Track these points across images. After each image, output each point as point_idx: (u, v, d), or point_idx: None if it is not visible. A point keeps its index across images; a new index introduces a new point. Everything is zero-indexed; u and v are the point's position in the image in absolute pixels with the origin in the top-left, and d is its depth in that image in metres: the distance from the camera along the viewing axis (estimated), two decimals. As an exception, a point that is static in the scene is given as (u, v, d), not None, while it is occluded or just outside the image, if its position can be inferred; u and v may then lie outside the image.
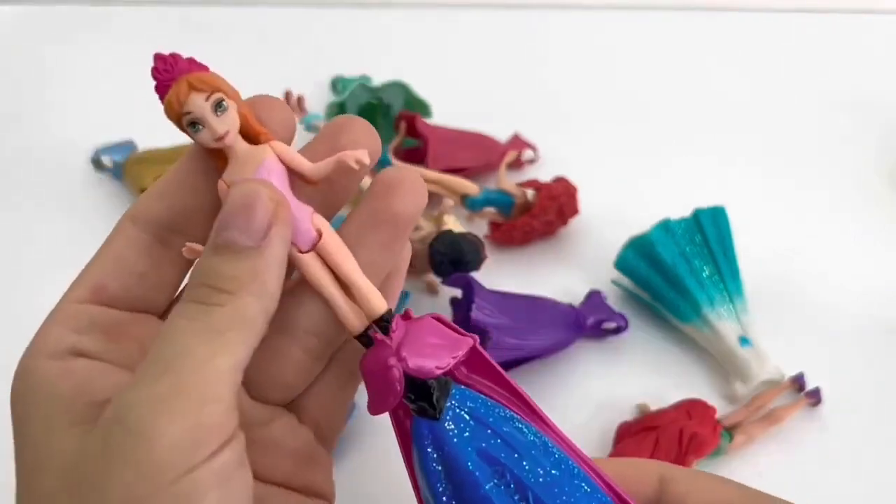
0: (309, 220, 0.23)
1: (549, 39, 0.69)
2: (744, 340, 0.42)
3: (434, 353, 0.22)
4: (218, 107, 0.22)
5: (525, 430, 0.23)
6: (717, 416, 0.39)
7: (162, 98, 0.23)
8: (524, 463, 0.22)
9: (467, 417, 0.22)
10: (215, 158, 0.24)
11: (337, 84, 0.62)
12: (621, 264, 0.46)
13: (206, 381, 0.20)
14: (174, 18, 0.71)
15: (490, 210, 0.49)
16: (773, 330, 0.44)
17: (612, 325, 0.44)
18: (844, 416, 0.41)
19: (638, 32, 0.70)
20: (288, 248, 0.22)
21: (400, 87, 0.57)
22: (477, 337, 0.24)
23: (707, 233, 0.45)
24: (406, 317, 0.24)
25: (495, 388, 0.23)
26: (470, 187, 0.49)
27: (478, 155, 0.53)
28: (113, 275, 0.24)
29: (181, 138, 0.49)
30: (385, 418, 0.23)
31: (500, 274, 0.47)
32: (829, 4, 0.72)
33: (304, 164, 0.24)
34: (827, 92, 0.62)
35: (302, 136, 0.47)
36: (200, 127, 0.22)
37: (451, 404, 0.22)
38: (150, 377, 0.20)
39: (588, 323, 0.43)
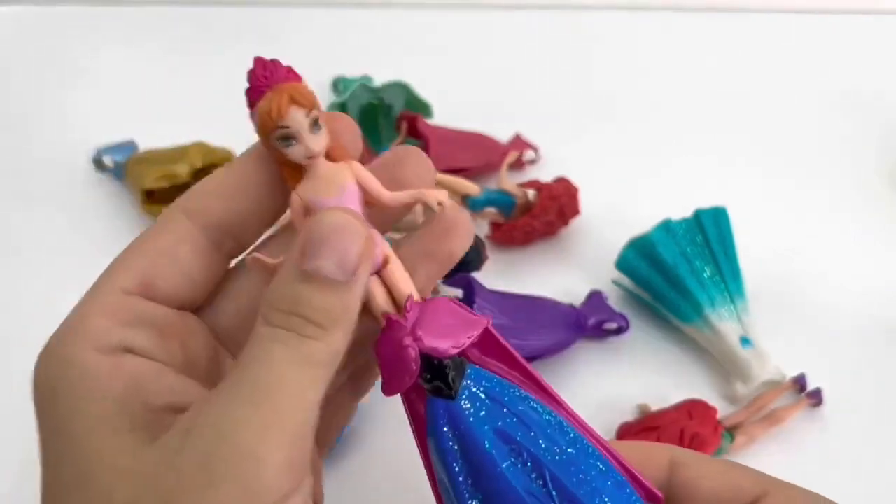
0: (378, 245, 0.23)
1: (550, 40, 0.69)
2: (745, 341, 0.42)
3: (449, 332, 0.23)
4: (315, 124, 0.22)
5: (540, 409, 0.23)
6: (719, 416, 0.39)
7: (252, 104, 0.22)
8: (540, 441, 0.22)
9: (483, 396, 0.22)
10: (286, 168, 0.23)
11: (338, 84, 0.62)
12: (622, 264, 0.46)
13: (300, 414, 0.20)
14: (175, 18, 0.71)
15: (491, 210, 0.49)
16: (773, 330, 0.44)
17: (612, 325, 0.44)
18: (845, 416, 0.41)
19: (638, 32, 0.70)
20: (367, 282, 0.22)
21: (401, 88, 0.57)
22: (490, 317, 0.24)
23: (708, 233, 0.45)
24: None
25: (508, 370, 0.24)
26: (471, 188, 0.48)
27: (479, 155, 0.53)
28: (165, 272, 0.23)
29: (181, 138, 0.49)
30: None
31: (500, 274, 0.47)
32: (829, 4, 0.71)
33: (383, 193, 0.23)
34: (827, 92, 0.62)
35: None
36: (294, 142, 0.22)
37: (467, 383, 0.22)
38: (246, 399, 0.20)
39: (589, 323, 0.43)
